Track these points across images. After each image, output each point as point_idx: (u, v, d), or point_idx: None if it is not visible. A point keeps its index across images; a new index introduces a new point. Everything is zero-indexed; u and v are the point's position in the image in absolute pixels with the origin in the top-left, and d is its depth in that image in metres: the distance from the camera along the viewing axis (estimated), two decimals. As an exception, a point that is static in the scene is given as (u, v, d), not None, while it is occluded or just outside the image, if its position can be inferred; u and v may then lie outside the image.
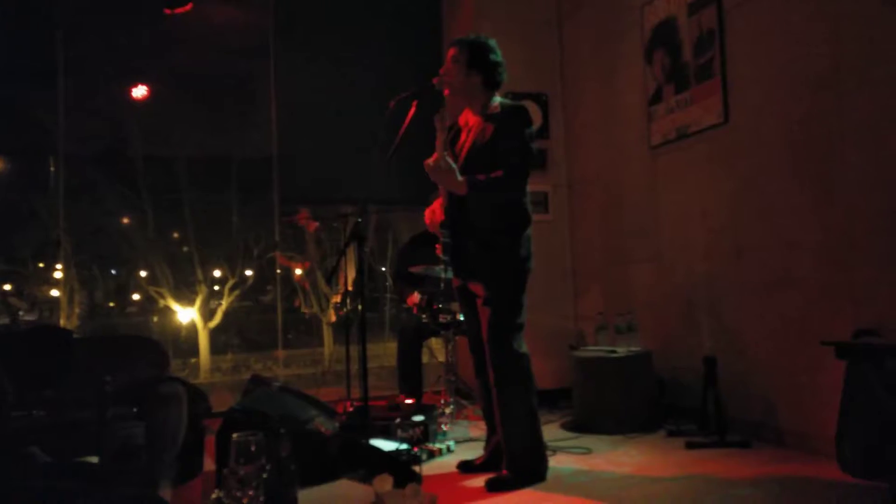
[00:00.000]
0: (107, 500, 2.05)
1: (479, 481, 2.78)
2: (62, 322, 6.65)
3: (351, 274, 5.02)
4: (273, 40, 5.04)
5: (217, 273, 10.75)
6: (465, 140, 2.92)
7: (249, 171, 9.62)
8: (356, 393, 3.81)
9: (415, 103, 2.83)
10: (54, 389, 2.64)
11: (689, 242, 3.84)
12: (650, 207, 4.15)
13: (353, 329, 4.11)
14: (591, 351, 3.97)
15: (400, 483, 2.55)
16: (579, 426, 3.77)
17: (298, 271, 11.13)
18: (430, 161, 2.75)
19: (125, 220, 10.45)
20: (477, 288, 2.88)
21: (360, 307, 3.45)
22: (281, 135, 5.00)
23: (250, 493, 1.73)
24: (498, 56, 2.86)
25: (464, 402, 4.20)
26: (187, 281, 10.47)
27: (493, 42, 2.88)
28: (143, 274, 10.60)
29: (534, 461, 2.82)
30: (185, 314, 10.39)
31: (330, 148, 4.96)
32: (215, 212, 10.57)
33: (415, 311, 4.13)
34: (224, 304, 10.56)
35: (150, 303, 10.70)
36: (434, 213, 2.96)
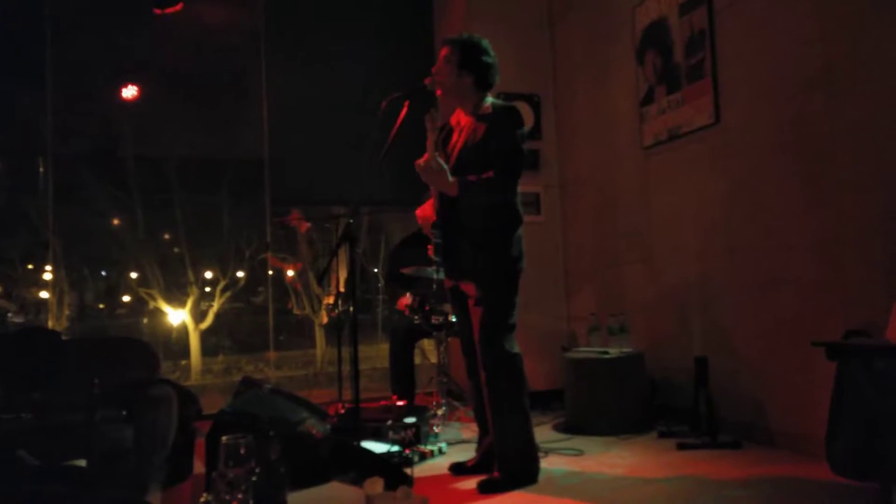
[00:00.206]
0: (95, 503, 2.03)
1: (470, 483, 2.77)
2: (51, 324, 6.61)
3: (343, 275, 5.00)
4: (264, 41, 5.03)
5: (208, 274, 10.72)
6: (457, 140, 2.91)
7: (240, 172, 9.58)
8: (348, 395, 3.79)
9: (406, 104, 2.82)
10: (43, 392, 2.61)
11: (681, 243, 3.84)
12: (642, 208, 4.16)
13: (346, 330, 4.10)
14: (584, 352, 3.97)
15: (391, 485, 2.54)
16: (571, 427, 3.76)
17: (290, 272, 11.11)
18: (420, 162, 2.74)
19: (115, 221, 10.40)
20: (469, 288, 2.87)
21: (351, 308, 3.43)
22: (272, 135, 4.98)
23: (239, 496, 1.71)
24: (491, 57, 2.85)
25: (456, 403, 4.19)
26: (178, 282, 10.43)
27: (485, 42, 2.86)
28: (133, 275, 10.55)
29: (526, 463, 2.81)
30: (176, 316, 10.36)
31: (321, 148, 4.95)
32: (206, 213, 10.53)
33: (406, 312, 4.12)
34: (215, 305, 10.52)
35: (140, 304, 10.65)
36: (425, 213, 2.95)
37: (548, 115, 4.96)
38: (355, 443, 2.98)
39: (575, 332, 4.72)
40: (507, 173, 2.76)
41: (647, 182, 4.11)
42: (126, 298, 11.27)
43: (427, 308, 3.92)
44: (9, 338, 3.30)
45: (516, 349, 2.81)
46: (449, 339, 4.07)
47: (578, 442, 3.47)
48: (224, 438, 1.76)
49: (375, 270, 11.93)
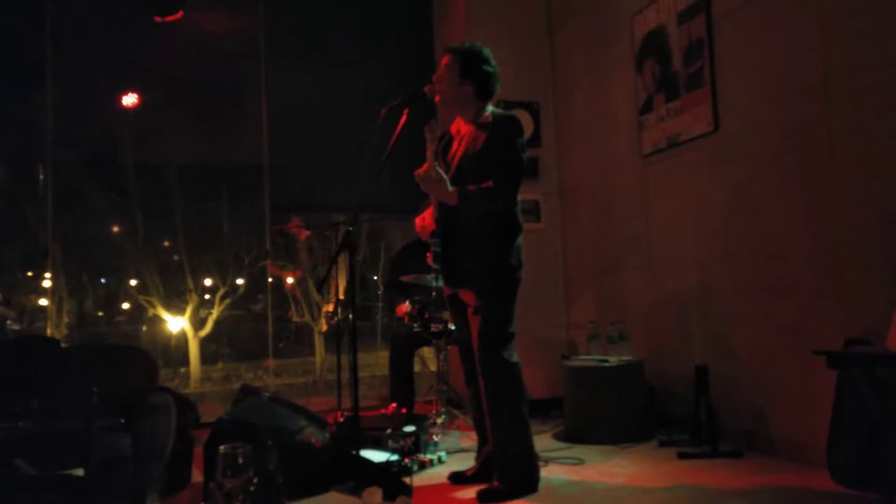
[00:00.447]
0: (92, 513, 2.02)
1: (470, 492, 2.76)
2: (50, 331, 6.59)
3: (342, 283, 5.00)
4: (264, 48, 5.03)
5: (208, 282, 10.72)
6: (457, 149, 2.91)
7: (240, 179, 9.60)
8: (348, 402, 3.78)
9: (405, 111, 2.82)
10: (41, 400, 2.61)
11: (680, 250, 3.84)
12: (641, 216, 4.16)
13: (345, 338, 4.09)
14: (583, 360, 3.96)
15: (390, 495, 2.53)
16: (571, 436, 3.75)
17: (290, 280, 11.11)
18: (420, 171, 2.74)
19: (115, 228, 10.40)
20: (468, 296, 2.86)
21: (351, 316, 3.43)
22: (272, 142, 4.98)
23: (237, 506, 1.70)
24: (492, 66, 2.85)
25: (455, 411, 4.18)
26: (178, 289, 10.43)
27: (487, 51, 2.86)
28: (132, 282, 10.55)
29: (525, 472, 2.80)
30: (176, 323, 10.34)
31: (321, 155, 4.95)
32: (206, 220, 10.54)
33: (406, 320, 4.11)
34: (215, 312, 10.52)
35: (139, 312, 10.64)
36: (424, 222, 2.95)
37: (547, 123, 4.96)
38: (354, 451, 2.98)
39: (574, 340, 4.72)
40: (507, 183, 2.76)
41: (647, 190, 4.11)
42: (125, 306, 11.27)
43: (426, 316, 3.92)
44: (7, 345, 3.30)
45: (515, 358, 2.80)
46: (448, 347, 4.06)
47: (578, 451, 3.45)
48: (222, 448, 1.75)
49: (375, 278, 11.93)
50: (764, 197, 3.26)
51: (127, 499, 2.35)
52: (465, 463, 3.13)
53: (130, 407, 2.52)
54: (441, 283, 2.84)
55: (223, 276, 10.58)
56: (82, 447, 2.35)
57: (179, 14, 4.54)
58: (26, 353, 2.90)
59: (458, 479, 2.95)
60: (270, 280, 10.07)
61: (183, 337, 10.33)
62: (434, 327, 3.90)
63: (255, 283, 10.99)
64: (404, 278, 3.92)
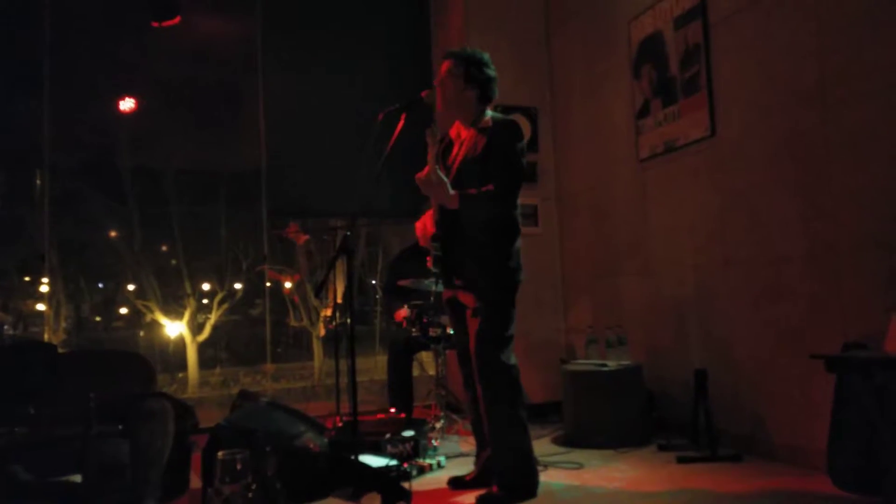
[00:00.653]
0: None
1: (469, 498, 2.75)
2: (47, 336, 6.58)
3: (340, 287, 5.00)
4: (261, 52, 5.03)
5: (206, 286, 10.70)
6: (457, 153, 2.92)
7: (238, 183, 9.59)
8: (346, 407, 3.77)
9: (403, 116, 2.82)
10: (38, 405, 2.60)
11: (677, 255, 3.84)
12: (639, 220, 4.16)
13: (343, 342, 4.08)
14: (582, 364, 3.95)
15: (389, 500, 2.52)
16: (570, 440, 3.75)
17: (288, 284, 11.09)
18: (421, 175, 2.75)
19: (112, 233, 10.38)
20: (467, 298, 2.86)
21: (349, 320, 3.42)
22: (269, 146, 4.97)
23: (236, 512, 1.70)
24: (492, 70, 2.88)
25: (454, 416, 4.17)
26: (175, 294, 10.41)
27: (487, 56, 2.89)
28: (130, 287, 10.53)
29: (524, 477, 2.79)
30: (174, 328, 10.32)
31: (319, 160, 4.95)
32: (204, 224, 10.53)
33: (404, 325, 4.11)
34: (213, 317, 10.50)
35: (137, 316, 10.62)
36: (425, 225, 2.95)
37: (545, 128, 4.97)
38: (353, 457, 2.97)
39: (573, 345, 4.71)
40: (507, 186, 2.76)
41: (644, 194, 4.12)
42: (123, 310, 11.26)
43: (425, 320, 3.91)
44: (4, 350, 3.28)
45: (513, 361, 2.80)
46: (447, 351, 4.06)
47: (577, 455, 3.45)
48: (220, 454, 1.75)
49: (373, 282, 11.92)
50: (761, 201, 3.27)
51: (125, 505, 2.34)
52: (465, 467, 3.13)
53: (128, 412, 2.51)
54: (440, 288, 2.83)
55: (221, 281, 10.57)
56: (80, 453, 2.35)
57: (177, 19, 4.54)
58: (23, 359, 2.89)
59: (457, 483, 2.95)
60: (268, 285, 10.05)
61: (181, 342, 10.31)
62: (432, 332, 3.89)
63: (254, 288, 10.99)
64: (402, 283, 3.92)
